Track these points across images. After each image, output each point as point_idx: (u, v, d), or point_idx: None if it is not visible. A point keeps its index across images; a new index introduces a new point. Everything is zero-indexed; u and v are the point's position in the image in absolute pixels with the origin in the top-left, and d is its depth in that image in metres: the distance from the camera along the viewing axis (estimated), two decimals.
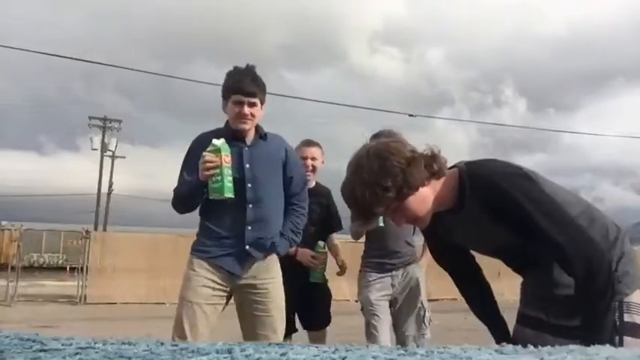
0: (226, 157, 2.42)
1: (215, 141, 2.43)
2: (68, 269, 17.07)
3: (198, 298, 2.51)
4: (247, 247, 2.54)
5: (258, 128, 2.66)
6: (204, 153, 2.41)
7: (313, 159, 3.47)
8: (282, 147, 2.71)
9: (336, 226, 3.68)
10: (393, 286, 3.25)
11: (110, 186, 29.17)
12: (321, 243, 3.42)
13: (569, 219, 1.46)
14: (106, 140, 29.04)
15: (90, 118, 29.43)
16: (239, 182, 2.50)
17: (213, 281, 2.54)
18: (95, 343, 0.78)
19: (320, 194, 3.51)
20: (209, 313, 2.52)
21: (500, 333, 1.75)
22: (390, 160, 1.42)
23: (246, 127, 2.59)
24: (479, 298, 1.80)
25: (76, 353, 0.72)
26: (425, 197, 1.49)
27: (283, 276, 2.70)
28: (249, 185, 2.55)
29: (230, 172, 2.42)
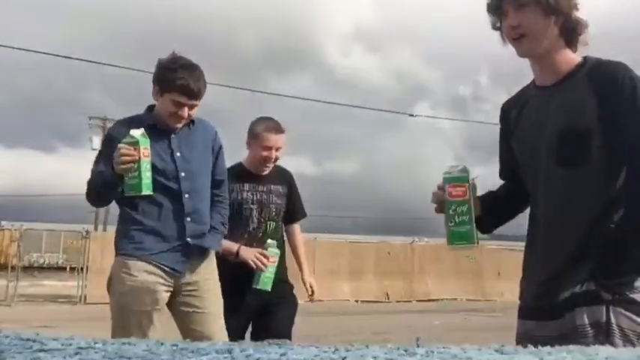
0: (145, 151, 2.19)
1: (133, 132, 2.20)
2: (68, 269, 17.08)
3: (143, 305, 2.23)
4: (189, 239, 2.32)
5: None
6: (119, 145, 2.19)
7: (278, 149, 2.85)
8: (212, 132, 2.51)
9: (300, 215, 3.11)
10: None
11: None
12: (271, 242, 2.76)
13: None
14: None
15: (90, 117, 29.48)
16: (171, 172, 2.34)
17: (157, 283, 2.27)
18: (95, 343, 0.78)
19: (280, 180, 2.94)
20: (156, 320, 2.25)
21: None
22: None
23: (180, 126, 2.40)
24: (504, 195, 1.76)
25: (76, 353, 0.72)
26: (550, 33, 1.50)
27: (230, 285, 2.51)
28: (183, 174, 2.35)
29: (149, 166, 2.20)
